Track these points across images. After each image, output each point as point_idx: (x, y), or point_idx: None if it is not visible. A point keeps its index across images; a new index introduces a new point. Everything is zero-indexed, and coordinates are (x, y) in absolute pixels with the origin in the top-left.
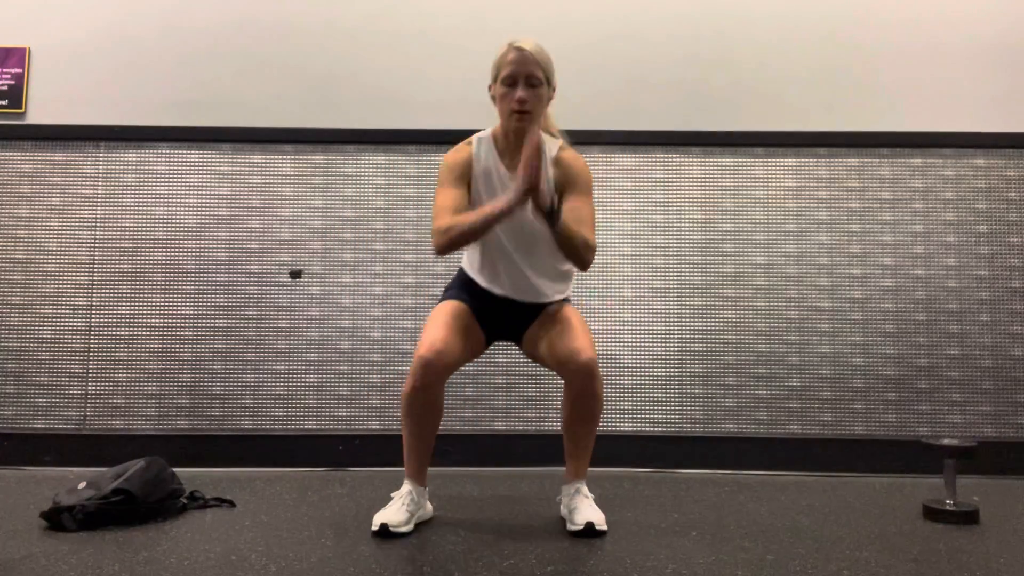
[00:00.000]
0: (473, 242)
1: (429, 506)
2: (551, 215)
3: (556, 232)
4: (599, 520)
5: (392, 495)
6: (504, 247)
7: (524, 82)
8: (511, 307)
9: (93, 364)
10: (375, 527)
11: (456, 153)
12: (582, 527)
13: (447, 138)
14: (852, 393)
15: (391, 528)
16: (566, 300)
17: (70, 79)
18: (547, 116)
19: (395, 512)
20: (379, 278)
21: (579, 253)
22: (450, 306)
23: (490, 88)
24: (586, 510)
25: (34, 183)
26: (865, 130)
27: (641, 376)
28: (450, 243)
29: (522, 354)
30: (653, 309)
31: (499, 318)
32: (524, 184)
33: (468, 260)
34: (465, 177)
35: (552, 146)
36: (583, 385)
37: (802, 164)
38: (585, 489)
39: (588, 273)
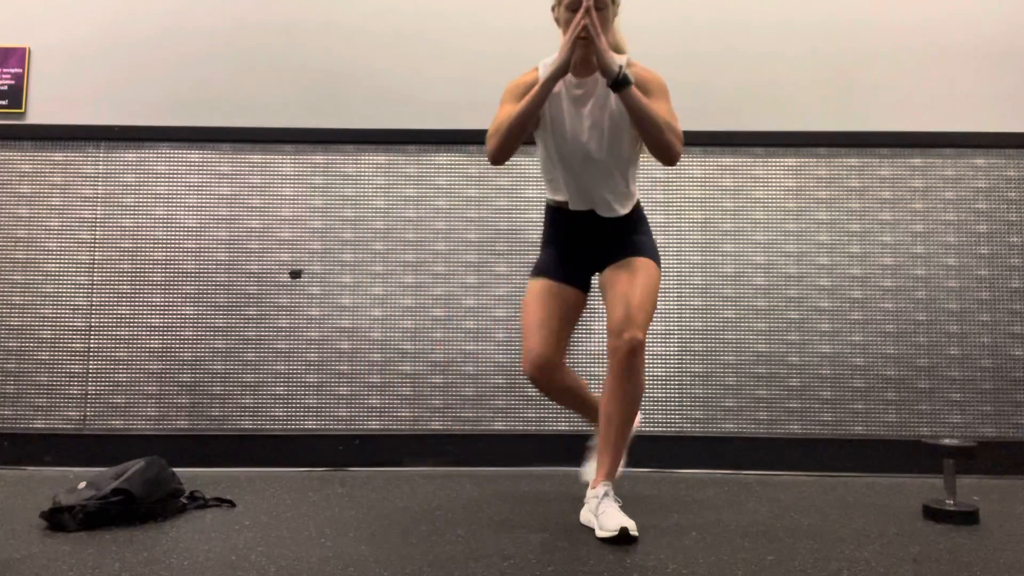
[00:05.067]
0: (527, 127)
1: None
2: (619, 80)
3: (630, 103)
4: (632, 525)
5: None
6: (572, 168)
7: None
8: (594, 229)
9: (93, 364)
10: (614, 531)
11: (521, 77)
12: (615, 532)
13: (447, 138)
14: (852, 393)
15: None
16: (655, 260)
17: (70, 79)
18: (615, 32)
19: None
20: (379, 278)
21: (663, 135)
22: (537, 291)
23: (553, 10)
24: (617, 515)
25: (34, 183)
26: (865, 130)
27: None
28: (504, 138)
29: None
30: None
31: (584, 252)
32: (572, 32)
33: (549, 189)
34: None
35: (621, 60)
36: (623, 362)
37: (802, 164)
38: (612, 493)
39: None
